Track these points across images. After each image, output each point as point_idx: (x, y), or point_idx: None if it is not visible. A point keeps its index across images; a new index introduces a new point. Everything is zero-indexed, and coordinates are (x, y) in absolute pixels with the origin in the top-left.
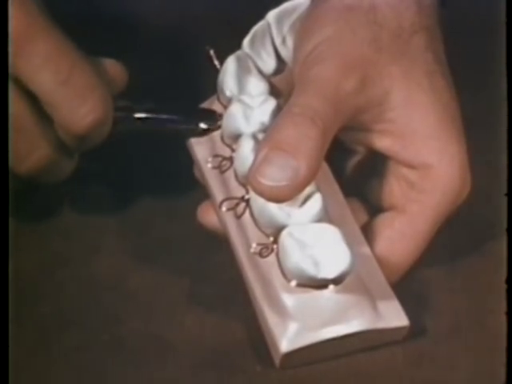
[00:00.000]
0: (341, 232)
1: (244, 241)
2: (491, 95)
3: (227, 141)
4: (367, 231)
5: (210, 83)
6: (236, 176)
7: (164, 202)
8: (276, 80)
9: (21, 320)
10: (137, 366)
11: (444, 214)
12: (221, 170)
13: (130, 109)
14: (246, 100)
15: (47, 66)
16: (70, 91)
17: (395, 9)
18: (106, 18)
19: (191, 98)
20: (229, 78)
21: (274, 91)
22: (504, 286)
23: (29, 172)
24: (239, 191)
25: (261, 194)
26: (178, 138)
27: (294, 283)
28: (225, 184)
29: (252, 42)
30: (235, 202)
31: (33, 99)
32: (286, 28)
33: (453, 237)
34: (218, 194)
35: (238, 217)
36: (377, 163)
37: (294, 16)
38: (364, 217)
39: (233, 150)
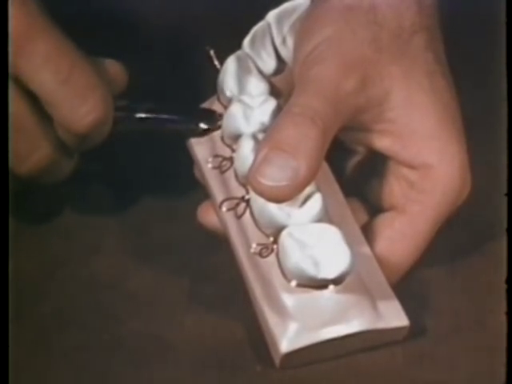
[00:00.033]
0: (341, 232)
1: (244, 241)
2: (491, 95)
3: (227, 141)
4: (367, 231)
5: (210, 83)
6: (236, 176)
7: (164, 202)
8: (276, 80)
9: (21, 320)
10: (137, 366)
11: (444, 214)
12: (221, 170)
13: (130, 109)
14: (246, 100)
15: (47, 65)
16: (70, 91)
17: (395, 9)
18: (105, 18)
19: (191, 98)
20: (229, 78)
21: (274, 91)
22: (504, 286)
23: (29, 172)
24: (239, 191)
25: (261, 194)
26: (177, 138)
27: (294, 283)
28: (225, 184)
29: (252, 42)
30: (235, 202)
31: (33, 99)
32: (286, 28)
33: (453, 237)
34: (218, 194)
35: (238, 217)
36: (377, 163)
37: (294, 16)
38: (364, 217)
39: (233, 150)
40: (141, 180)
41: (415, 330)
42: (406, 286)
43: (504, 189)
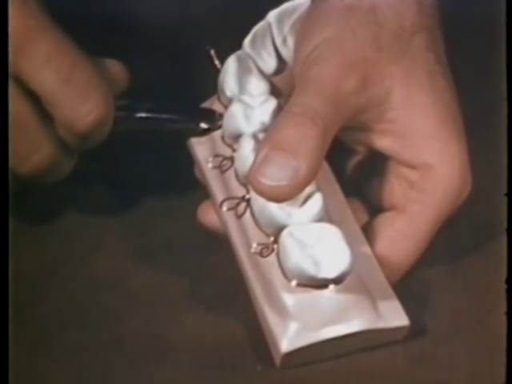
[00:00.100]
0: (341, 232)
1: (244, 240)
2: (491, 95)
3: (228, 141)
4: (367, 231)
5: (210, 83)
6: (236, 176)
7: (164, 202)
8: (277, 80)
9: (21, 320)
10: (137, 366)
11: (444, 213)
12: (221, 169)
13: (130, 108)
14: (246, 100)
15: (48, 64)
16: (71, 90)
17: (396, 9)
18: (106, 18)
19: (192, 97)
20: (229, 78)
21: (274, 91)
22: (504, 286)
23: (30, 172)
24: (240, 191)
25: (261, 193)
26: (178, 137)
27: (294, 283)
28: (225, 184)
29: (253, 41)
30: (236, 201)
31: (34, 99)
32: (286, 28)
33: (453, 237)
34: (218, 193)
35: (239, 217)
36: (377, 163)
37: (295, 16)
38: (364, 217)
39: (233, 150)
40: (141, 180)
41: (415, 330)
42: (407, 285)
43: (504, 189)
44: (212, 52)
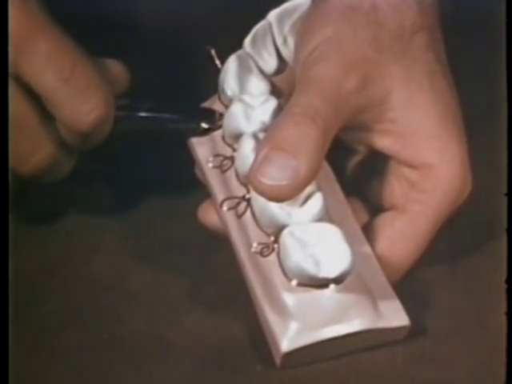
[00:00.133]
0: (342, 231)
1: (245, 240)
2: (491, 95)
3: (228, 140)
4: (368, 231)
5: (211, 83)
6: (237, 175)
7: (164, 202)
8: (277, 80)
9: (21, 320)
10: (137, 366)
11: (445, 213)
12: (222, 169)
13: (131, 108)
14: (247, 99)
15: (49, 64)
16: (72, 89)
17: (396, 9)
18: (106, 18)
19: (192, 97)
20: (230, 78)
21: (275, 91)
22: (504, 286)
23: (31, 172)
24: (240, 191)
25: (261, 193)
26: (178, 137)
27: (294, 282)
28: (226, 183)
29: (253, 41)
30: (236, 201)
31: (35, 99)
32: (287, 28)
33: (453, 237)
34: (218, 193)
35: (239, 216)
36: (377, 163)
37: (295, 16)
38: (365, 216)
39: (234, 150)
40: (141, 179)
41: (416, 330)
42: (407, 285)
43: (504, 189)
44: (212, 52)
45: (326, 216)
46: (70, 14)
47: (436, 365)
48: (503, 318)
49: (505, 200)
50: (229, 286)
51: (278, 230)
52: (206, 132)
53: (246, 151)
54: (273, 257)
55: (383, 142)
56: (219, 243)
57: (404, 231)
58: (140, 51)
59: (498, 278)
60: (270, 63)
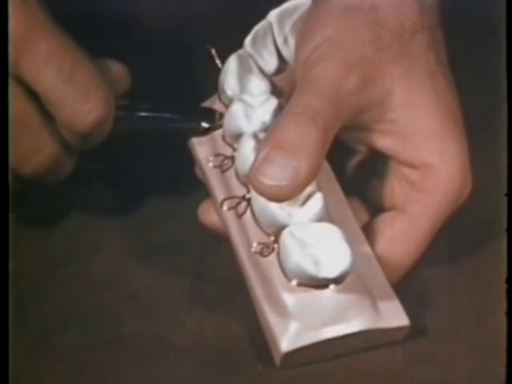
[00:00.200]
0: (342, 231)
1: (245, 240)
2: (491, 95)
3: (228, 140)
4: (368, 231)
5: (211, 82)
6: (237, 175)
7: (165, 202)
8: (277, 79)
9: (21, 320)
10: (137, 366)
11: (445, 213)
12: (222, 169)
13: (131, 108)
14: (247, 99)
15: (49, 64)
16: (72, 89)
17: (397, 8)
18: (106, 18)
19: (192, 97)
20: (230, 78)
21: (275, 91)
22: (504, 286)
23: (33, 172)
24: (240, 190)
25: (261, 193)
26: (179, 137)
27: (294, 283)
28: (226, 183)
29: (253, 41)
30: (236, 201)
31: (36, 98)
32: (287, 27)
33: (453, 237)
34: (219, 193)
35: (239, 216)
36: (378, 163)
37: (296, 15)
38: (365, 216)
39: (234, 149)
40: (142, 179)
41: (416, 330)
42: (407, 285)
43: (504, 189)
44: (213, 51)
45: (326, 216)
46: (70, 13)
47: (436, 365)
48: (503, 318)
49: (505, 200)
50: (229, 286)
51: (278, 229)
52: (206, 132)
53: (247, 151)
54: (273, 257)
55: (383, 142)
56: (219, 243)
57: (404, 231)
58: (140, 51)
59: (498, 277)
60: (271, 63)
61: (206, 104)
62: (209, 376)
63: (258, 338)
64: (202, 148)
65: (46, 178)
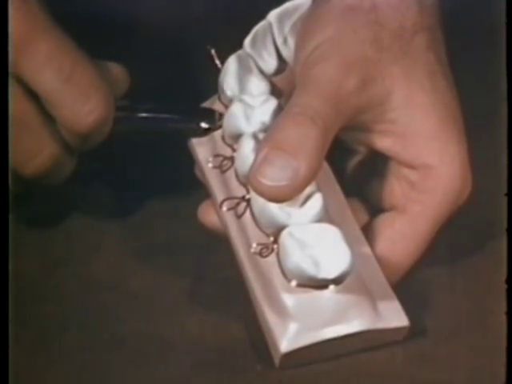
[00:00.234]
0: (341, 232)
1: (244, 240)
2: (491, 95)
3: (228, 140)
4: (368, 231)
5: (211, 83)
6: (237, 176)
7: (164, 202)
8: (277, 80)
9: (21, 320)
10: (137, 366)
11: (445, 214)
12: (221, 169)
13: (131, 108)
14: (247, 100)
15: (49, 64)
16: (72, 89)
17: (397, 9)
18: (106, 19)
19: (192, 97)
20: (230, 78)
21: (275, 91)
22: (504, 286)
23: (35, 172)
24: (240, 191)
25: (261, 193)
26: (178, 137)
27: (294, 283)
28: (225, 184)
29: (253, 41)
30: (236, 201)
31: (37, 99)
32: (287, 28)
33: (453, 237)
34: (218, 193)
35: (239, 216)
36: (377, 163)
37: (296, 16)
38: (364, 217)
39: (234, 150)
40: (141, 180)
41: (415, 330)
42: (407, 286)
43: (504, 189)
44: (212, 52)
45: (325, 216)
46: (69, 14)
47: (436, 365)
48: (503, 318)
49: (505, 200)
50: (228, 287)
51: (278, 230)
52: (205, 132)
53: (246, 151)
54: (272, 257)
55: (383, 143)
56: (219, 243)
57: (404, 232)
58: (140, 51)
59: (498, 277)
60: (270, 63)
61: (206, 104)
62: (208, 376)
63: (258, 339)
64: (201, 148)
65: (47, 178)
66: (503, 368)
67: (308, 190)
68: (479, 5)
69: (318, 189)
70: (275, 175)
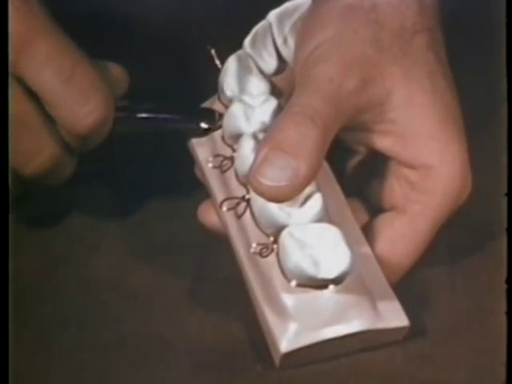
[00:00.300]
0: (341, 232)
1: (244, 240)
2: (491, 95)
3: (228, 140)
4: (368, 231)
5: (211, 83)
6: (237, 176)
7: (164, 202)
8: (277, 80)
9: (21, 320)
10: (137, 366)
11: (445, 214)
12: (221, 169)
13: (130, 109)
14: (246, 100)
15: (49, 64)
16: (72, 90)
17: (397, 9)
18: (106, 19)
19: (192, 97)
20: (230, 78)
21: (274, 91)
22: (504, 286)
23: (35, 172)
24: (240, 191)
25: (261, 194)
26: (178, 137)
27: (294, 283)
28: (225, 184)
29: (253, 41)
30: (236, 201)
31: (38, 99)
32: (287, 28)
33: (453, 237)
34: (218, 193)
35: (239, 216)
36: (377, 163)
37: (296, 16)
38: (364, 217)
39: (234, 150)
40: (141, 180)
41: (415, 330)
42: (407, 286)
43: (504, 189)
44: (212, 52)
45: (325, 216)
46: (69, 14)
47: (436, 365)
48: (503, 318)
49: (505, 200)
50: (228, 287)
51: (278, 230)
52: (205, 132)
53: (246, 151)
54: (272, 257)
55: (383, 143)
56: (219, 244)
57: (404, 232)
58: (140, 51)
59: (497, 278)
60: (270, 63)
61: (206, 104)
62: (208, 376)
63: (258, 339)
64: (201, 149)
65: (47, 178)
66: (503, 368)
67: (308, 190)
68: (479, 5)
69: (318, 189)
70: (275, 175)
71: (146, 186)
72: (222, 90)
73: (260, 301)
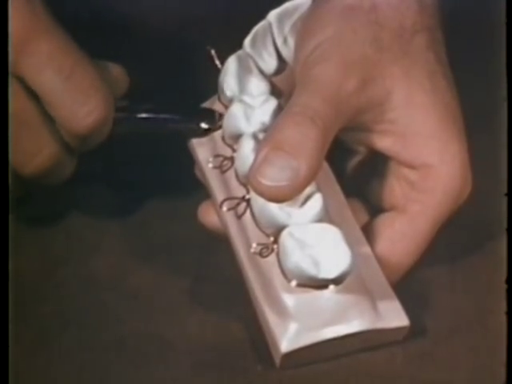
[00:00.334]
0: (341, 232)
1: (244, 241)
2: (491, 95)
3: (228, 141)
4: (368, 231)
5: (211, 83)
6: (237, 176)
7: (164, 202)
8: (277, 80)
9: (21, 320)
10: (137, 366)
11: (445, 213)
12: (222, 169)
13: (130, 109)
14: (246, 100)
15: (50, 64)
16: (72, 90)
17: (397, 9)
18: (106, 19)
19: (192, 97)
20: (230, 78)
21: (274, 91)
22: (504, 286)
23: (35, 172)
24: (240, 191)
25: (261, 194)
26: (178, 138)
27: (294, 283)
28: (225, 184)
29: (253, 41)
30: (236, 201)
31: (38, 98)
32: (287, 28)
33: (453, 237)
34: (218, 193)
35: (239, 217)
36: (378, 163)
37: (296, 16)
38: (365, 217)
39: (234, 150)
40: (141, 180)
41: (415, 330)
42: (407, 285)
43: (504, 189)
44: (212, 52)
45: (325, 216)
46: (70, 15)
47: (436, 365)
48: (503, 318)
49: (505, 200)
50: (228, 287)
51: (278, 230)
52: (205, 132)
53: (246, 152)
54: (272, 257)
55: (383, 143)
56: (219, 244)
57: (404, 231)
58: (140, 52)
59: (498, 278)
60: (270, 63)
61: (206, 105)
62: (209, 376)
63: (258, 339)
64: (201, 149)
65: (47, 178)
66: (503, 368)
67: (308, 190)
68: (479, 5)
69: (318, 189)
70: (275, 175)
71: (145, 186)
72: (222, 90)
73: (260, 301)
